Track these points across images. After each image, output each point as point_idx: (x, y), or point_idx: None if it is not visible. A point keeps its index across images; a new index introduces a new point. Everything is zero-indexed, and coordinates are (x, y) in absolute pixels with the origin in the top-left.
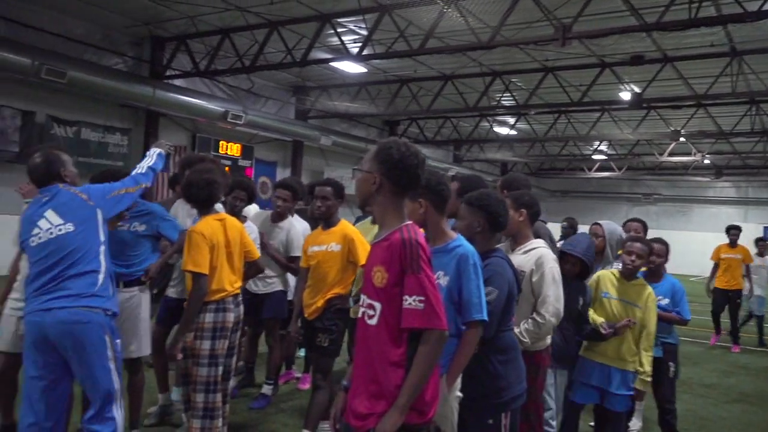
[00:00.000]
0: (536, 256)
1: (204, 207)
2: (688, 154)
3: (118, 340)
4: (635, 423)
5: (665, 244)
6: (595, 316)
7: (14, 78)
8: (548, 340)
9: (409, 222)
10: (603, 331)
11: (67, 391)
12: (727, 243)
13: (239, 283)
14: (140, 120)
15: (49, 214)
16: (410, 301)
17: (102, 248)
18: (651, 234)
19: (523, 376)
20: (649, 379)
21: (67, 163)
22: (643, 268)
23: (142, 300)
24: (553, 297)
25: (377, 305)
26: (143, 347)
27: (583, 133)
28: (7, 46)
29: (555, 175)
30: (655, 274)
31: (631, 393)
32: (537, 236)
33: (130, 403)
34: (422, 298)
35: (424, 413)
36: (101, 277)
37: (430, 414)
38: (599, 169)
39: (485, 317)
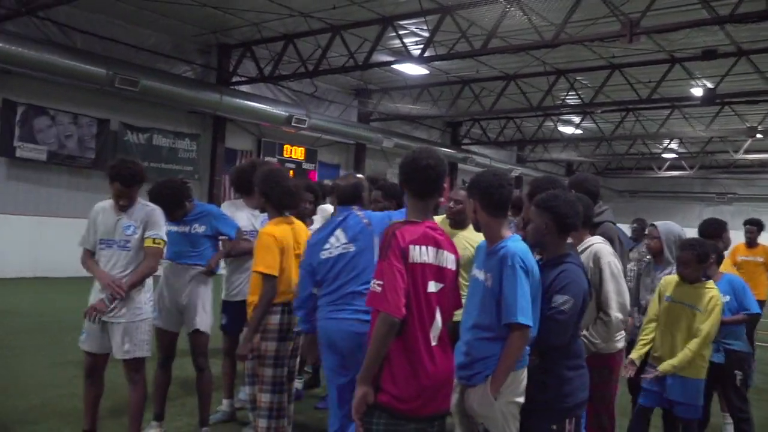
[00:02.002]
0: (592, 253)
1: (278, 210)
2: (766, 151)
3: None
4: None
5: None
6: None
7: (90, 88)
8: (621, 342)
9: (420, 221)
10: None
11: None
12: (744, 242)
13: None
14: (208, 125)
15: (339, 232)
16: (372, 284)
17: None
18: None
19: (588, 383)
20: (670, 368)
21: (366, 189)
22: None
23: (206, 280)
24: (614, 291)
25: None
26: (207, 322)
27: (652, 131)
28: (84, 58)
29: (623, 174)
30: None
31: (695, 403)
32: (608, 238)
33: (199, 401)
34: (381, 282)
35: (399, 399)
36: None
37: (409, 405)
38: (670, 168)
39: (523, 321)
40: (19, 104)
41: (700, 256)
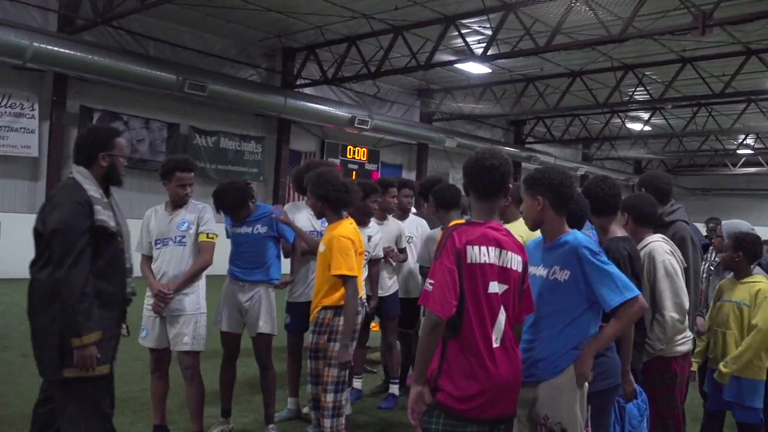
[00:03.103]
0: (647, 251)
1: (336, 211)
2: None
3: None
4: None
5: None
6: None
7: (161, 93)
8: (684, 345)
9: (482, 222)
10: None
11: None
12: None
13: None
14: (273, 128)
15: None
16: (426, 282)
17: None
18: None
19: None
20: (725, 369)
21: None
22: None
23: (268, 290)
24: (669, 291)
25: None
26: (269, 326)
27: (726, 127)
28: (155, 65)
29: (695, 172)
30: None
31: (753, 406)
32: (680, 237)
33: (264, 399)
34: (432, 282)
35: (457, 399)
36: None
37: (467, 405)
38: (745, 165)
39: (630, 295)
40: (95, 110)
41: (735, 241)
